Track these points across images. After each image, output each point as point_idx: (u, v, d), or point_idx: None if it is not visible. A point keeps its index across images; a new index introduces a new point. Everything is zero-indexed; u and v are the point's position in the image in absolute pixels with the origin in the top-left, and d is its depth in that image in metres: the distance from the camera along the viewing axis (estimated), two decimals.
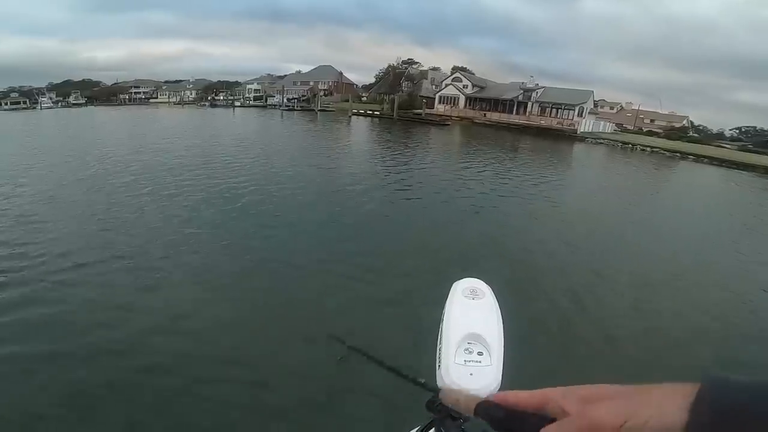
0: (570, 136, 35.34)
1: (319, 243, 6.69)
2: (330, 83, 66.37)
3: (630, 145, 32.75)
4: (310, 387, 3.38)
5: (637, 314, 5.06)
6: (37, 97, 70.86)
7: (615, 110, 59.89)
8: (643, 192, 14.48)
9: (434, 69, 58.73)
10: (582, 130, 36.84)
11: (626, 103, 62.44)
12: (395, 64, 58.77)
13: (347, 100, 47.15)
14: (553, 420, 0.37)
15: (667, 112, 60.14)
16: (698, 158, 29.33)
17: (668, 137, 44.01)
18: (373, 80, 66.48)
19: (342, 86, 64.56)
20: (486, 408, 0.45)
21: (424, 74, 55.42)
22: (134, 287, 5.02)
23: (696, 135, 53.27)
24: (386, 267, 5.81)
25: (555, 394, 0.39)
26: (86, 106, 72.28)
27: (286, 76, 76.94)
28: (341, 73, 68.11)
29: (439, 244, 6.90)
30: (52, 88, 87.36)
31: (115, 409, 3.14)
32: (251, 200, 9.13)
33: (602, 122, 42.65)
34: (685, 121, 57.96)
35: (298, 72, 76.11)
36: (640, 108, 57.50)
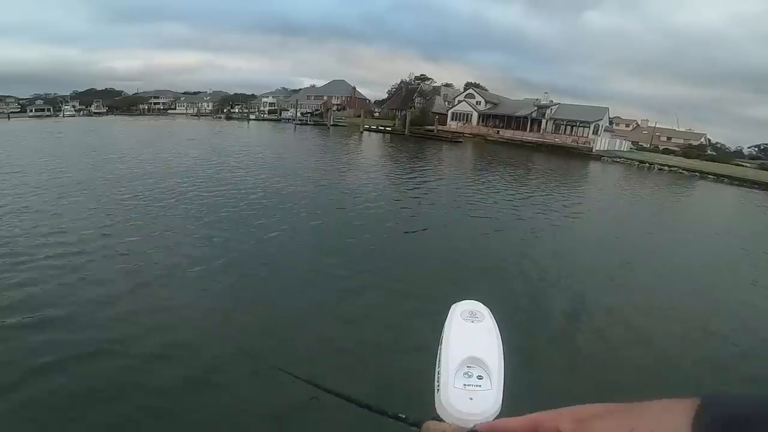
0: (585, 155, 34.86)
1: (315, 259, 6.59)
2: (343, 98, 67.12)
3: (647, 164, 32.13)
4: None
5: (641, 339, 4.97)
6: (60, 105, 73.48)
7: (630, 128, 59.12)
8: (660, 216, 14.05)
9: (447, 85, 59.05)
10: (597, 148, 36.31)
11: (642, 120, 61.61)
12: (407, 79, 59.31)
13: (360, 116, 47.49)
14: None
15: (683, 130, 59.24)
16: (718, 178, 28.62)
17: (686, 155, 43.24)
18: (385, 96, 67.19)
19: (355, 101, 65.16)
20: None
21: (436, 90, 55.73)
22: (127, 285, 5.23)
23: (714, 153, 52.26)
24: (384, 287, 5.72)
25: (546, 418, 0.38)
26: (107, 115, 74.45)
27: (300, 90, 78.25)
28: (354, 88, 68.83)
29: (439, 265, 6.82)
30: (75, 96, 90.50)
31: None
32: (256, 212, 9.23)
33: (618, 140, 42.04)
34: (702, 139, 56.95)
35: (312, 86, 77.37)
36: (656, 125, 56.76)
